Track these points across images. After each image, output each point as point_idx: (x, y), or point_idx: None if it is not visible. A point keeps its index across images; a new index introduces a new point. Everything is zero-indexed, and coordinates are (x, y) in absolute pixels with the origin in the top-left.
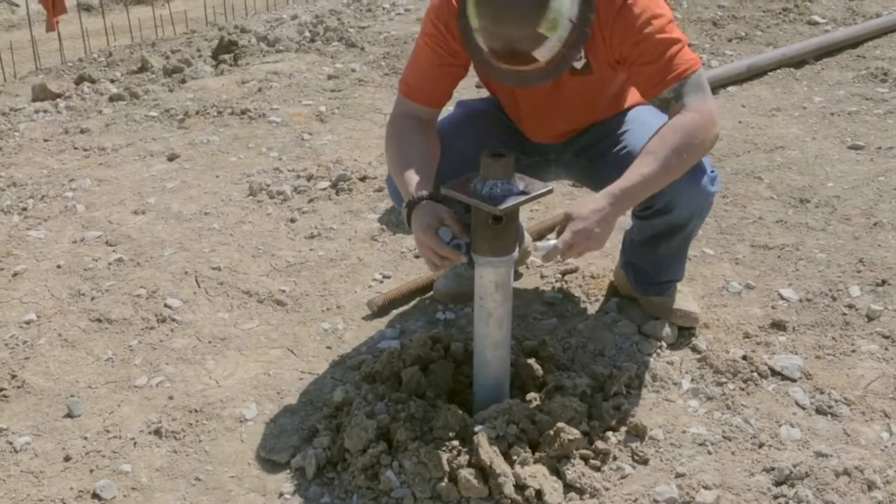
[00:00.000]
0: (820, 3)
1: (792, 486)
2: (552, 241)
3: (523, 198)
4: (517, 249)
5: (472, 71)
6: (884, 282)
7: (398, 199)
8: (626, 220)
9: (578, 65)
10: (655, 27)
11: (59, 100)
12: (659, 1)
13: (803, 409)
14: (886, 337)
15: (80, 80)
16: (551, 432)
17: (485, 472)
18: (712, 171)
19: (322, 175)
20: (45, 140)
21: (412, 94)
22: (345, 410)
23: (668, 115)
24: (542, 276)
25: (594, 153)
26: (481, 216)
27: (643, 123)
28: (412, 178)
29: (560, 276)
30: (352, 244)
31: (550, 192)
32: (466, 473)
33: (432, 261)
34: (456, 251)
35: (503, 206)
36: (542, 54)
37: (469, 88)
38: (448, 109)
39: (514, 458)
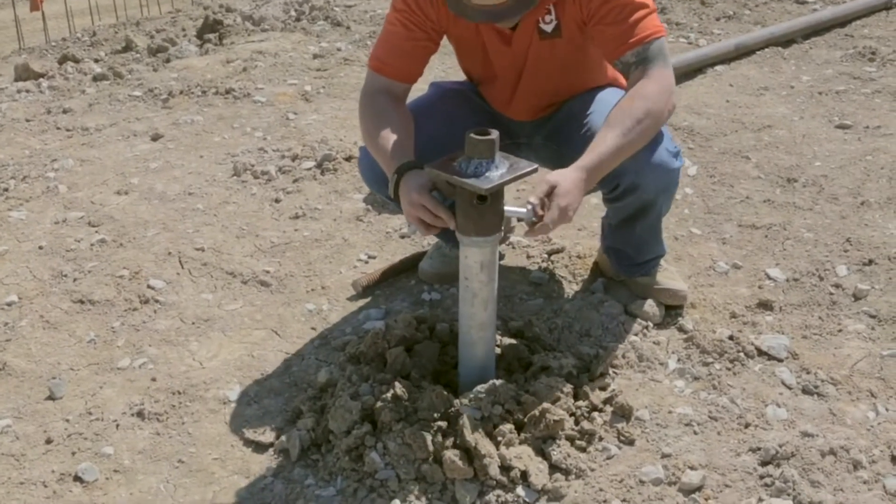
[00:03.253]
0: None
1: (778, 465)
2: (527, 209)
3: (508, 177)
4: (502, 229)
5: (441, 51)
6: (871, 261)
7: (370, 175)
8: (602, 205)
9: (549, 28)
10: None
11: (41, 80)
12: None
13: (789, 388)
14: (873, 316)
15: (63, 60)
16: (537, 413)
17: (470, 453)
18: (675, 147)
19: (307, 155)
20: (28, 120)
21: (384, 69)
22: (329, 392)
23: (628, 81)
24: (529, 257)
25: (562, 137)
26: (466, 196)
27: (609, 105)
28: (393, 148)
29: (546, 256)
30: (337, 224)
31: (535, 170)
32: (451, 454)
33: (424, 222)
34: (450, 213)
35: (489, 186)
36: None
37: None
38: (422, 89)
39: (500, 438)
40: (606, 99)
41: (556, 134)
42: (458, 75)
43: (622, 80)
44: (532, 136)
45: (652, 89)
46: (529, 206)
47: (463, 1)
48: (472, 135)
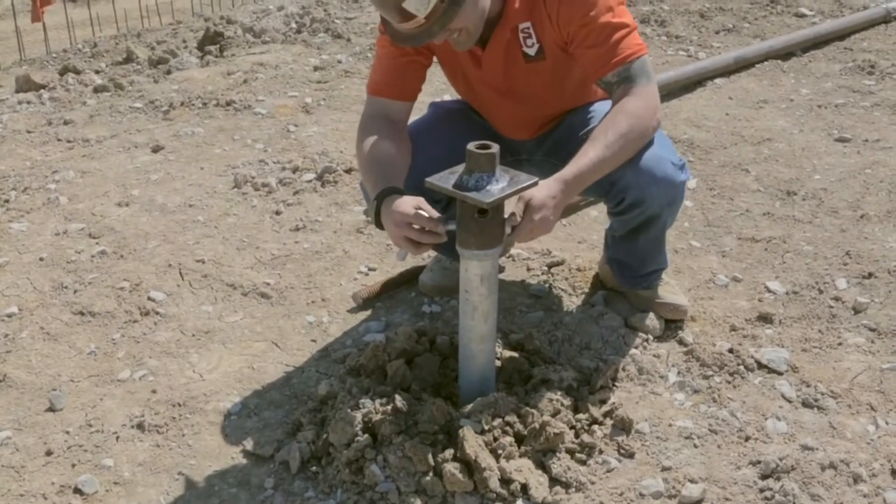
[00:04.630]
0: None
1: (778, 479)
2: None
3: (510, 190)
4: (503, 242)
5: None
6: (870, 274)
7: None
8: (602, 216)
9: (532, 51)
10: (602, 8)
11: (42, 91)
12: None
13: (789, 402)
14: (873, 330)
15: (64, 71)
16: (537, 426)
17: (470, 467)
18: (680, 160)
19: (308, 167)
20: (29, 131)
21: (381, 90)
22: (329, 404)
23: (612, 100)
24: (529, 269)
25: (562, 153)
26: (467, 209)
27: None
28: (380, 176)
29: (546, 268)
30: (337, 237)
31: (536, 184)
32: (451, 467)
33: (412, 241)
34: (437, 221)
35: (491, 199)
36: (416, 8)
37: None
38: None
39: (500, 452)
40: (605, 111)
41: (557, 149)
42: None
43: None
44: (533, 152)
45: (635, 105)
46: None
47: (392, 27)
48: (473, 148)
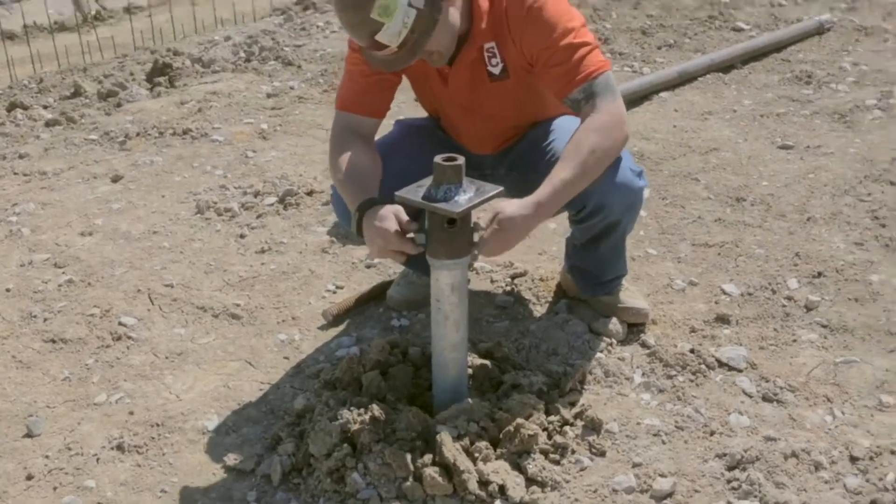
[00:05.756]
0: (743, 10)
1: (744, 469)
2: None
3: (477, 199)
4: (471, 251)
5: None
6: (820, 274)
7: (342, 209)
8: (566, 225)
9: (496, 70)
10: (564, 30)
11: None
12: (569, 6)
13: (750, 397)
14: (825, 326)
15: (11, 107)
16: (511, 428)
17: (449, 470)
18: (638, 167)
19: (269, 191)
20: None
21: (351, 106)
22: (307, 417)
23: (580, 117)
24: (493, 281)
25: (525, 167)
26: (436, 220)
27: (568, 131)
28: (358, 188)
29: (510, 279)
30: (303, 257)
31: (502, 192)
32: (431, 471)
33: (391, 251)
34: (410, 242)
35: (459, 210)
36: (388, 39)
37: (408, 103)
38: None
39: (476, 455)
40: (565, 126)
41: (519, 163)
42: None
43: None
44: (496, 166)
45: (602, 121)
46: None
47: (365, 50)
48: (440, 160)
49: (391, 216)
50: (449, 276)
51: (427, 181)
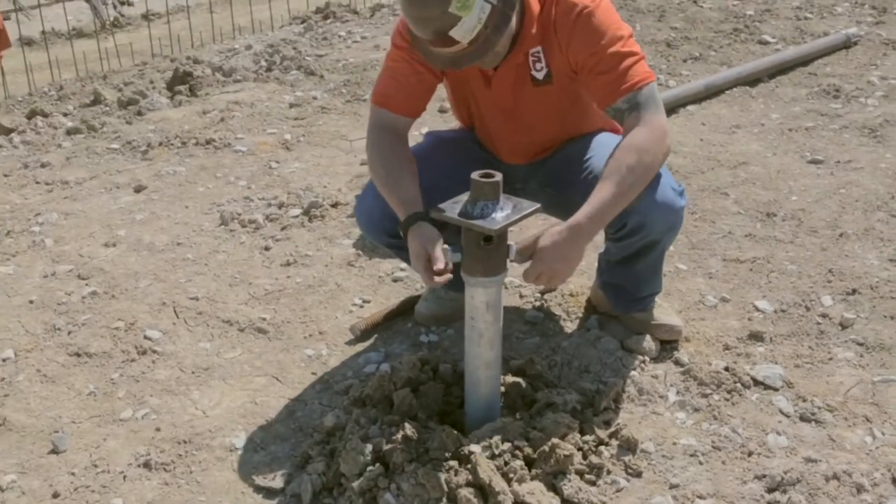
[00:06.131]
0: (769, 23)
1: (784, 491)
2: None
3: (514, 217)
4: (507, 268)
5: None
6: (854, 291)
7: (366, 222)
8: (598, 241)
9: (540, 75)
10: (613, 37)
11: (13, 134)
12: (618, 16)
13: (787, 416)
14: (861, 344)
15: (32, 115)
16: (546, 448)
17: (483, 491)
18: (679, 186)
19: (293, 202)
20: (5, 175)
21: (389, 103)
22: (337, 436)
23: (623, 127)
24: (522, 296)
25: (561, 183)
26: (473, 237)
27: (607, 147)
28: (404, 195)
29: (539, 295)
30: (329, 270)
31: (539, 209)
32: (466, 492)
33: (430, 271)
34: (448, 273)
35: (497, 227)
36: (461, 35)
37: (430, 112)
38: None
39: (511, 475)
40: (605, 142)
41: (553, 179)
42: (450, 121)
43: (615, 124)
44: (527, 180)
45: (644, 136)
46: (513, 245)
47: (427, 48)
48: (477, 177)
49: (423, 253)
50: (485, 294)
51: (463, 197)
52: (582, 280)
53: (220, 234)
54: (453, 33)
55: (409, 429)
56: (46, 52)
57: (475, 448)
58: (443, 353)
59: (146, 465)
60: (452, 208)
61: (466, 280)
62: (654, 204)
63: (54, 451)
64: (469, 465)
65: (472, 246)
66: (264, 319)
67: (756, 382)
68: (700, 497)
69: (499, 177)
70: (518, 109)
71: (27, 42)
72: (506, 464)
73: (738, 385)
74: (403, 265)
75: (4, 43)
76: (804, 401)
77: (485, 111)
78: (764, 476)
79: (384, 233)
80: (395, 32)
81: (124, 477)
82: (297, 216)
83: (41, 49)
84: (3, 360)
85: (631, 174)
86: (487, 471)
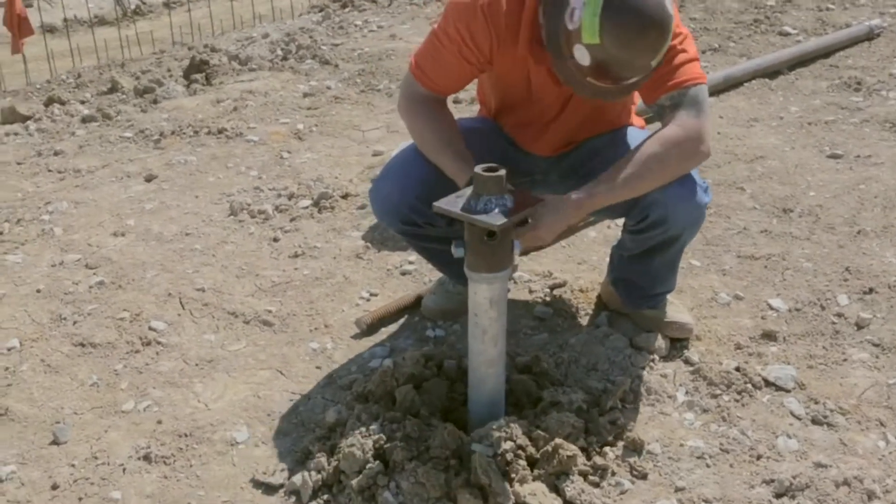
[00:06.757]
0: (790, 14)
1: (793, 497)
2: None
3: (519, 212)
4: (511, 264)
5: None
6: (871, 290)
7: (382, 207)
8: (610, 235)
9: None
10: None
11: (29, 122)
12: (677, 17)
13: (799, 419)
14: (877, 345)
15: (49, 102)
16: (549, 449)
17: (484, 491)
18: (704, 182)
19: (303, 193)
20: (18, 163)
21: (427, 83)
22: (338, 431)
23: (662, 124)
24: (531, 291)
25: (582, 176)
26: (476, 233)
27: (633, 141)
28: (457, 154)
29: (549, 290)
30: (337, 262)
31: (543, 204)
32: (465, 493)
33: None
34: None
35: (500, 222)
36: (636, 77)
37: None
38: None
39: (513, 475)
40: (630, 135)
41: (575, 171)
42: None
43: (643, 122)
44: (548, 172)
45: (674, 134)
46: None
47: (574, 74)
48: (481, 171)
49: None
50: (488, 290)
51: (467, 191)
52: (593, 275)
53: (228, 225)
54: (633, 75)
55: (409, 426)
56: (68, 39)
57: (477, 447)
58: (449, 349)
59: (146, 457)
60: (455, 203)
61: (470, 276)
62: (680, 198)
63: (55, 443)
64: (469, 465)
65: (475, 241)
66: (270, 312)
67: (767, 383)
68: (706, 501)
69: (502, 171)
70: (568, 102)
71: (49, 29)
72: (507, 463)
73: (749, 386)
74: (412, 258)
75: (27, 31)
76: (816, 403)
77: (538, 106)
78: (772, 481)
79: (400, 219)
80: (449, 17)
81: (124, 469)
82: (306, 207)
83: (63, 36)
84: (9, 350)
85: (650, 166)
86: (488, 471)
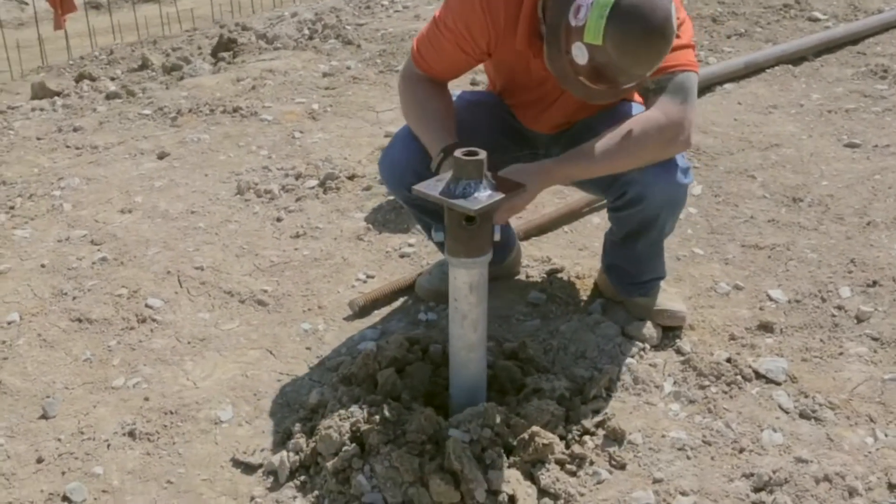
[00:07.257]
0: None
1: (771, 492)
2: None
3: (497, 197)
4: (491, 249)
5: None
6: (875, 282)
7: (390, 175)
8: (604, 221)
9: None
10: None
11: (56, 98)
12: (679, 4)
13: (787, 413)
14: (875, 339)
15: (80, 78)
16: (526, 436)
17: (457, 477)
18: (686, 164)
19: (311, 174)
20: (38, 138)
21: (426, 68)
22: (320, 413)
23: (645, 108)
24: (528, 276)
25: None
26: (455, 217)
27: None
28: (437, 128)
29: (546, 276)
30: (337, 243)
31: (524, 189)
32: (438, 478)
33: None
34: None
35: (478, 207)
36: (628, 83)
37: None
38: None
39: (488, 462)
40: (623, 111)
41: (570, 145)
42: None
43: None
44: (550, 147)
45: (653, 119)
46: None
47: (572, 77)
48: (460, 155)
49: None
50: (467, 276)
51: (446, 175)
52: (592, 262)
53: (234, 204)
54: (627, 84)
55: (387, 410)
56: (110, 16)
57: (453, 433)
58: (439, 333)
59: (131, 434)
60: (435, 186)
61: (449, 261)
62: (657, 176)
63: (44, 417)
64: (444, 450)
65: (454, 226)
66: (265, 291)
67: (758, 375)
68: (683, 493)
69: (482, 155)
70: (566, 92)
71: (94, 6)
72: (483, 450)
73: (739, 378)
74: (412, 241)
75: (69, 7)
76: (806, 397)
77: (538, 90)
78: (752, 475)
79: (405, 187)
80: (455, 13)
81: (108, 445)
82: (312, 188)
83: (105, 13)
84: (8, 324)
85: (620, 143)
86: (462, 457)
